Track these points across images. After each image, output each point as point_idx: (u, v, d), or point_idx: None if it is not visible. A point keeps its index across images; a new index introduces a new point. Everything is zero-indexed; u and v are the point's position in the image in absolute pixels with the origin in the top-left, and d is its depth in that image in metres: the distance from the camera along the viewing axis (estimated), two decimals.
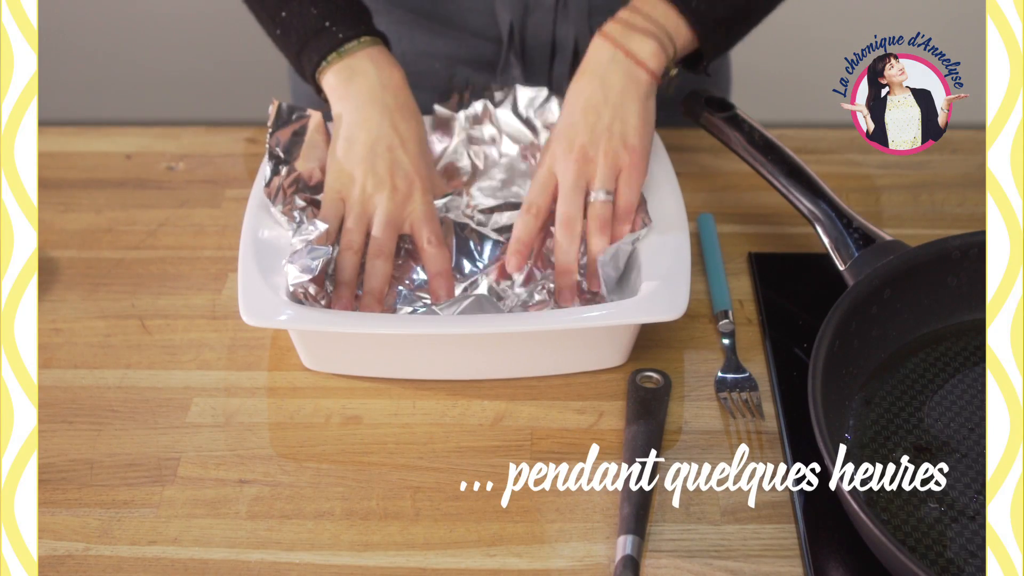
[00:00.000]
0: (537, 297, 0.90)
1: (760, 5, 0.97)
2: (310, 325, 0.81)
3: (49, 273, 0.96)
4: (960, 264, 0.84)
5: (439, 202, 0.93)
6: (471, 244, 0.94)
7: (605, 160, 0.89)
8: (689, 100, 1.01)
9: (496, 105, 1.00)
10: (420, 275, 0.92)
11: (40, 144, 1.05)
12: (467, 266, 0.93)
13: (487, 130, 0.99)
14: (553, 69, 1.11)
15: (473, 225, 0.94)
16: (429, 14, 1.10)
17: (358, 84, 0.91)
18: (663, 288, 0.82)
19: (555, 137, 0.91)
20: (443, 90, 1.03)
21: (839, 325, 0.78)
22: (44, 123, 0.96)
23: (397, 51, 1.10)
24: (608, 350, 0.85)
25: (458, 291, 0.90)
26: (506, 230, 0.94)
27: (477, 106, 1.00)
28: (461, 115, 0.99)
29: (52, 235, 1.00)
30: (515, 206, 0.95)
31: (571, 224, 0.89)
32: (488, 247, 0.94)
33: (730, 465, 0.79)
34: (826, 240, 0.87)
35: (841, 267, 0.85)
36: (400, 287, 0.91)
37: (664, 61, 0.91)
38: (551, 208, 0.91)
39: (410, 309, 0.89)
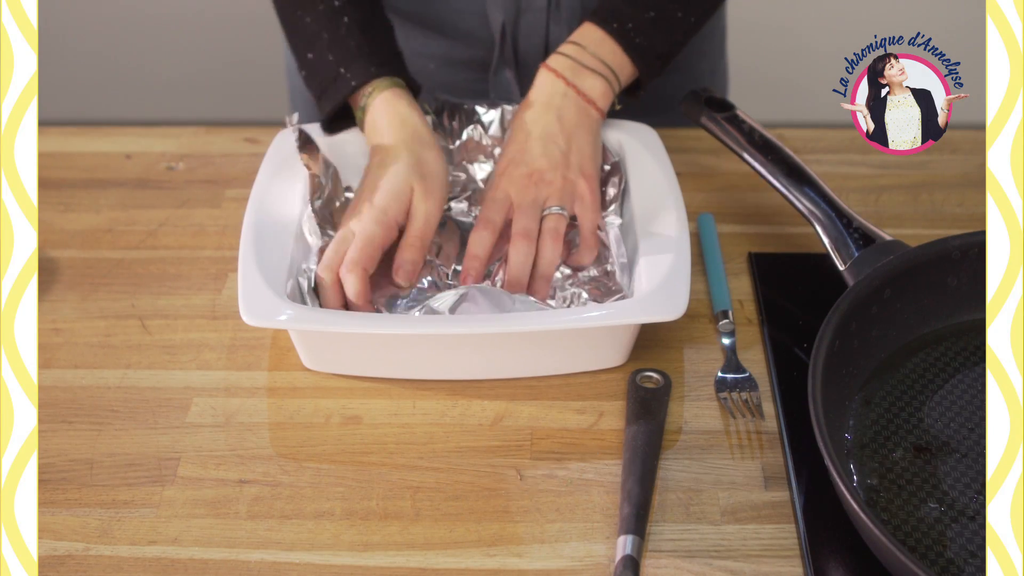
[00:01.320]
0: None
1: (691, 33, 1.00)
2: (310, 325, 0.81)
3: (49, 273, 0.96)
4: (960, 264, 0.84)
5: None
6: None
7: (564, 184, 0.91)
8: (689, 100, 1.01)
9: (486, 129, 0.99)
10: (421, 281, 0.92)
11: (40, 144, 1.05)
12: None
13: (478, 154, 1.00)
14: None
15: (471, 221, 0.95)
16: (421, 16, 1.10)
17: (374, 141, 0.93)
18: (663, 288, 0.82)
19: (511, 161, 0.92)
20: (436, 91, 1.02)
21: (839, 325, 0.78)
22: (44, 123, 0.96)
23: None
24: (608, 350, 0.85)
25: (455, 291, 0.89)
26: None
27: (467, 134, 0.99)
28: (452, 148, 1.00)
29: (52, 235, 1.00)
30: None
31: (527, 236, 0.89)
32: None
33: (730, 465, 0.79)
34: (826, 240, 0.87)
35: (841, 267, 0.85)
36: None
37: (611, 98, 0.95)
38: (505, 226, 0.91)
39: (413, 309, 0.89)
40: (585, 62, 0.94)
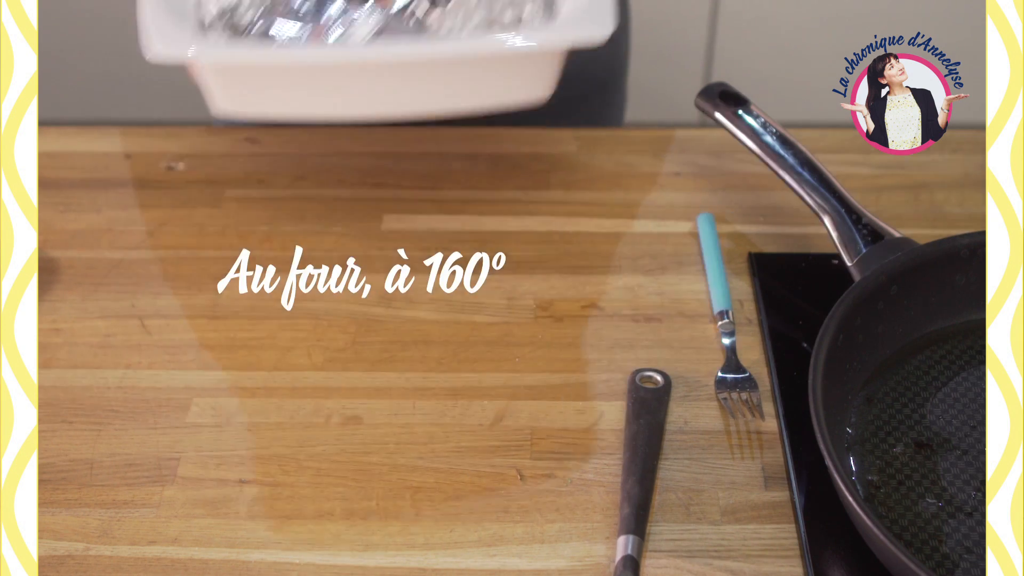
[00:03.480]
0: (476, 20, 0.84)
1: None
2: (222, 58, 0.77)
3: (49, 273, 0.96)
4: (969, 263, 0.84)
5: None
6: None
7: None
8: (704, 94, 1.00)
9: None
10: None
11: (40, 144, 1.05)
12: None
13: None
14: None
15: None
16: None
17: None
18: (587, 11, 0.79)
19: None
20: None
21: (843, 319, 0.78)
22: (44, 123, 0.96)
23: None
24: (531, 80, 0.82)
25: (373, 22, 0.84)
26: None
27: None
28: None
29: (52, 235, 1.00)
30: None
31: None
32: None
33: (730, 465, 0.79)
34: (835, 235, 0.87)
35: (849, 263, 0.85)
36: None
37: None
38: None
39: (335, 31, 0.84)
40: None
